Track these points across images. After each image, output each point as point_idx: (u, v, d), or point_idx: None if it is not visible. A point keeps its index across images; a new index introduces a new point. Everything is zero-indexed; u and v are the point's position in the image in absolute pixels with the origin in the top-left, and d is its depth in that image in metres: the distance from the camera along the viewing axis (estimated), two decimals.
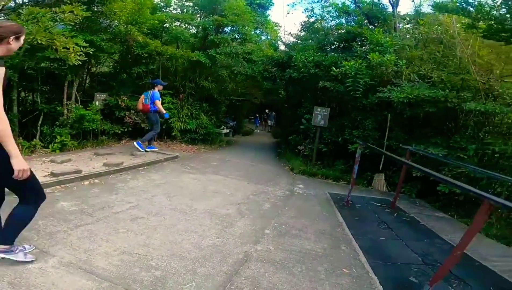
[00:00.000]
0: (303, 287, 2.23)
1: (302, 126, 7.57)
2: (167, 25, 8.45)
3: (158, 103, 6.03)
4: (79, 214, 2.96)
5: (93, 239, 2.50)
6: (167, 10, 9.32)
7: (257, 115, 20.89)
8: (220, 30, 9.46)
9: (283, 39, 16.00)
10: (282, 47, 13.96)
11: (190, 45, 8.96)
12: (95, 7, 6.18)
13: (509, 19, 4.08)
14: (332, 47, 9.15)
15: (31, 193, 2.00)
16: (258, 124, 20.76)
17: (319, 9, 12.93)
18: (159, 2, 9.01)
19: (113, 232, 2.68)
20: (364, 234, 3.32)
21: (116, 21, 6.54)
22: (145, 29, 7.08)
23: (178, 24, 9.28)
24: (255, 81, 12.37)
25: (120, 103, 7.15)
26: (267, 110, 20.87)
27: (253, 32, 11.66)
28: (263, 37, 17.51)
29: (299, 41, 11.63)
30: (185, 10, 9.91)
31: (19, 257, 2.02)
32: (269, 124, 20.42)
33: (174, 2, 9.71)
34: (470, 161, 4.65)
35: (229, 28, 9.71)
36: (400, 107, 5.77)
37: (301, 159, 7.25)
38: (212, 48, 8.32)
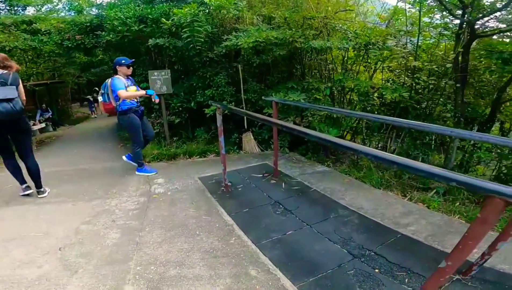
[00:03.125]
0: None
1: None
2: None
3: (123, 93, 3.73)
4: None
5: None
6: None
7: (89, 97, 16.40)
8: None
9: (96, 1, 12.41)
10: (95, 11, 10.82)
11: None
12: None
13: None
14: None
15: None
16: (93, 108, 16.35)
17: None
18: None
19: None
20: (267, 235, 2.40)
21: None
22: None
23: None
24: (69, 56, 9.84)
25: None
26: (96, 88, 16.55)
27: None
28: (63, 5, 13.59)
29: None
30: None
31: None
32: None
33: None
34: (326, 101, 4.63)
35: None
36: (248, 56, 5.17)
37: (153, 140, 5.63)
38: None
